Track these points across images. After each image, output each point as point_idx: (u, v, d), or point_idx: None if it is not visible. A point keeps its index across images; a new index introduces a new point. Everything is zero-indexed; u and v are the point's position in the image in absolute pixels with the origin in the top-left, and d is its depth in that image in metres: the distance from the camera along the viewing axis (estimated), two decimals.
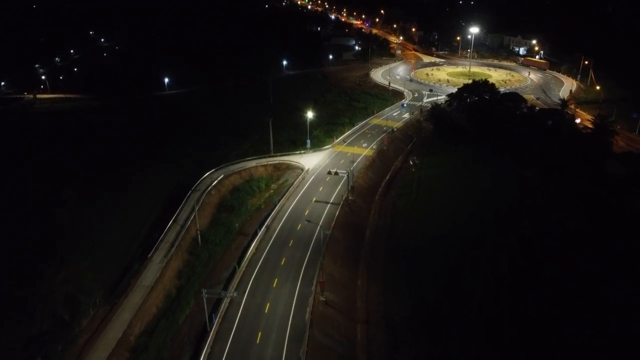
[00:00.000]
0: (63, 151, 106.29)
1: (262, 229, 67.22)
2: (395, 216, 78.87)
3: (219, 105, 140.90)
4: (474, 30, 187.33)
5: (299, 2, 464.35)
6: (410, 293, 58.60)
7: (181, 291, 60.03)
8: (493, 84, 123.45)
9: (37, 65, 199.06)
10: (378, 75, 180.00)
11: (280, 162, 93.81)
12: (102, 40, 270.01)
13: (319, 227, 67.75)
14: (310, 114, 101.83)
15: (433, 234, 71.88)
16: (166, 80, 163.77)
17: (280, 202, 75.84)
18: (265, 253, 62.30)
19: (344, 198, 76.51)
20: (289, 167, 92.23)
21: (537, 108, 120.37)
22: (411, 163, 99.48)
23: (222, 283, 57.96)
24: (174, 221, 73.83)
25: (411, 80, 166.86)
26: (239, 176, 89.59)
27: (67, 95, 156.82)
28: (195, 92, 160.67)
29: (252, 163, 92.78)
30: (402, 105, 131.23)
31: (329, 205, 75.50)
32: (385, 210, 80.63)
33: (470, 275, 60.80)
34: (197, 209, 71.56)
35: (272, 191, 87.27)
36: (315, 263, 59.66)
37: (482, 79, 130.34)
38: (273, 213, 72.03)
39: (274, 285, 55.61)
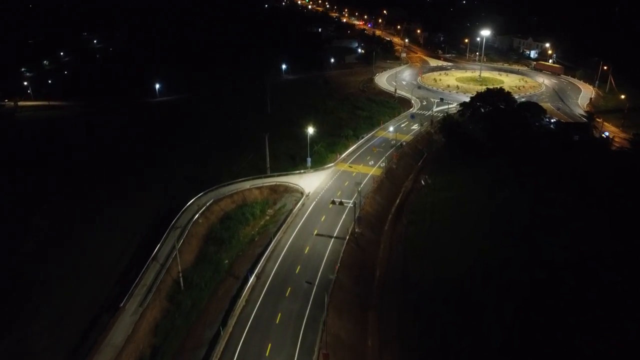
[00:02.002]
0: (37, 168, 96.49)
1: (254, 276, 56.89)
2: (408, 249, 68.99)
3: (213, 114, 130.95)
4: (485, 32, 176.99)
5: (299, 2, 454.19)
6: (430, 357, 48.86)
7: (156, 353, 50.06)
8: (509, 92, 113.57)
9: (23, 69, 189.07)
10: (383, 80, 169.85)
11: (278, 183, 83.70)
12: (95, 42, 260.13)
13: (320, 270, 58.04)
14: (310, 130, 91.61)
15: (451, 272, 62.27)
16: (157, 86, 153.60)
17: (277, 236, 65.73)
18: (257, 307, 52.20)
19: (349, 231, 66.49)
20: (287, 190, 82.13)
21: (558, 120, 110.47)
22: (423, 183, 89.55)
23: (204, 347, 47.92)
24: (153, 258, 63.83)
25: (419, 87, 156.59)
26: (231, 200, 79.50)
27: (51, 103, 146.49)
28: (189, 99, 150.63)
29: (246, 185, 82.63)
30: (411, 116, 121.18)
31: (332, 239, 65.41)
32: (397, 242, 70.68)
33: (495, 316, 52.24)
34: (178, 247, 61.37)
35: (267, 218, 77.24)
36: (317, 320, 49.71)
37: (496, 87, 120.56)
38: (268, 251, 61.93)
39: (267, 354, 45.56)
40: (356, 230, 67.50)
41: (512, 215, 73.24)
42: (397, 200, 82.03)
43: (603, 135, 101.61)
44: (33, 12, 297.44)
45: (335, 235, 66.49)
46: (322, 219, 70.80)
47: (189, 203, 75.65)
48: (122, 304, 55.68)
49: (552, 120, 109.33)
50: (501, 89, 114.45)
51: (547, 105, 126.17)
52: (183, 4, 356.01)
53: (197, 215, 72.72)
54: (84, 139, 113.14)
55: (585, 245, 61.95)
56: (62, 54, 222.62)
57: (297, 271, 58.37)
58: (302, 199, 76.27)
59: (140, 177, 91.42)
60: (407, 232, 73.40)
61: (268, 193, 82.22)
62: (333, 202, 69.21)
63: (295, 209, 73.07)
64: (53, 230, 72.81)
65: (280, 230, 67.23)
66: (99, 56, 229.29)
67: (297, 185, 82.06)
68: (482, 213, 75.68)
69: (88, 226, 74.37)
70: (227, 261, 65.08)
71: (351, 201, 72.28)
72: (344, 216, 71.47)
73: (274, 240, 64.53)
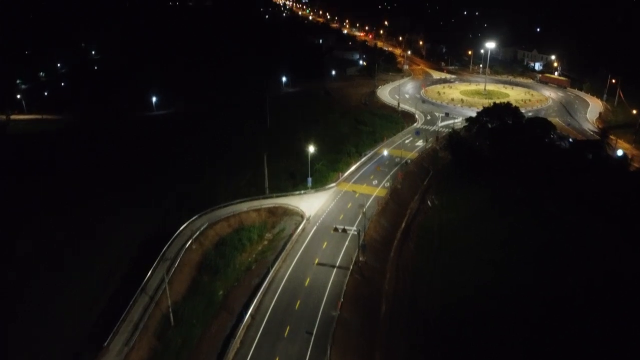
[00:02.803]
0: (24, 185, 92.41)
1: (249, 315, 52.02)
2: (416, 278, 64.48)
3: (210, 129, 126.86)
4: (490, 45, 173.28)
5: (300, 13, 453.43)
6: None
7: None
8: (517, 107, 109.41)
9: (18, 81, 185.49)
10: (385, 93, 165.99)
11: (277, 205, 79.20)
12: (94, 53, 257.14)
13: (322, 306, 53.50)
14: (312, 148, 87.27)
15: (461, 302, 58.12)
16: (154, 99, 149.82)
17: (275, 265, 61.11)
18: (252, 350, 47.49)
19: (353, 260, 61.91)
20: (287, 213, 77.60)
21: (574, 139, 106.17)
22: (429, 204, 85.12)
23: None
24: (142, 289, 59.20)
25: (423, 100, 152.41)
26: (227, 224, 74.97)
27: (45, 117, 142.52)
28: (186, 112, 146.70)
29: (243, 207, 78.11)
30: (416, 132, 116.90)
31: (335, 270, 60.82)
32: (404, 270, 66.06)
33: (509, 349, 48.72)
34: (167, 279, 56.74)
35: (266, 242, 72.73)
36: None
37: (503, 101, 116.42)
38: (265, 283, 57.28)
39: None
40: (360, 258, 62.93)
41: (524, 239, 69.14)
42: (403, 224, 77.50)
43: (618, 153, 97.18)
44: (31, 23, 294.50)
45: (337, 264, 61.91)
46: (324, 246, 66.24)
47: (182, 227, 71.18)
48: (106, 343, 50.93)
49: (570, 140, 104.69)
50: (509, 104, 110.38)
51: (556, 120, 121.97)
52: (181, 16, 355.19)
53: (190, 241, 68.17)
54: (74, 155, 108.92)
55: (604, 270, 58.16)
56: (59, 65, 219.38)
57: (296, 307, 53.67)
58: (303, 223, 71.69)
59: (130, 197, 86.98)
60: (414, 259, 68.88)
61: (266, 216, 77.74)
62: (336, 230, 64.42)
63: (295, 235, 68.49)
64: (35, 256, 68.32)
65: (279, 259, 62.59)
66: (97, 67, 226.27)
67: (297, 207, 77.58)
68: (492, 236, 71.51)
69: (73, 251, 69.95)
70: (221, 292, 60.57)
71: (354, 227, 67.73)
72: (346, 242, 66.98)
73: (272, 271, 59.86)
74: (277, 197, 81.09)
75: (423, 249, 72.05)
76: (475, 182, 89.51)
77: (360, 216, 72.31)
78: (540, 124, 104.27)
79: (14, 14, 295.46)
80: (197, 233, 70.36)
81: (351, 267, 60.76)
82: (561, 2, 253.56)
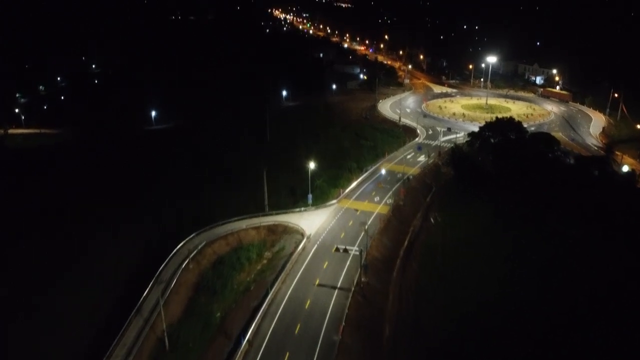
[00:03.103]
0: (18, 200, 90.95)
1: (246, 341, 49.93)
2: (420, 299, 62.45)
3: (209, 144, 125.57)
4: (491, 59, 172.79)
5: (300, 27, 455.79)
6: None
7: None
8: (520, 122, 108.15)
9: (17, 95, 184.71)
10: (386, 107, 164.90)
11: (276, 223, 77.44)
12: (94, 66, 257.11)
13: (323, 330, 51.47)
14: (312, 164, 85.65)
15: (465, 319, 56.09)
16: (153, 113, 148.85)
17: (275, 286, 59.16)
18: None
19: (355, 281, 60.00)
20: (287, 231, 75.79)
21: (578, 154, 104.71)
22: (432, 222, 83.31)
23: None
24: (136, 311, 57.26)
25: (424, 115, 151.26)
26: (225, 242, 73.15)
27: (43, 130, 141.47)
28: (185, 127, 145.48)
29: (242, 225, 76.33)
30: (418, 147, 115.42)
31: (336, 291, 58.86)
32: (407, 291, 64.04)
33: None
34: (162, 301, 54.83)
35: (265, 262, 70.77)
36: None
37: (505, 116, 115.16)
38: (264, 306, 55.33)
39: None
40: (362, 279, 61.01)
41: (527, 254, 67.44)
42: (406, 242, 75.61)
43: (623, 169, 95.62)
44: (31, 23, 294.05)
45: (339, 285, 59.97)
46: (325, 266, 64.32)
47: (179, 245, 69.39)
48: None
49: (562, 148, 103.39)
50: (511, 119, 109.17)
51: (559, 135, 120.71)
52: (183, 28, 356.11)
53: (187, 261, 66.34)
54: (70, 170, 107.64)
55: (609, 284, 56.51)
56: (59, 79, 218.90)
57: (296, 331, 51.66)
58: (303, 242, 69.88)
59: (126, 214, 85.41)
60: (418, 279, 66.93)
61: (266, 234, 75.94)
62: (337, 250, 62.74)
63: (295, 254, 66.62)
64: (26, 274, 66.52)
65: (279, 280, 60.66)
66: (97, 81, 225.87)
67: (297, 225, 75.79)
68: (495, 252, 69.89)
69: (65, 270, 68.17)
70: (218, 314, 58.59)
71: (355, 246, 65.91)
72: (348, 262, 65.03)
73: (271, 292, 57.87)
74: (277, 214, 79.37)
75: (426, 267, 70.15)
76: (479, 198, 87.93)
77: (362, 235, 70.48)
78: (543, 139, 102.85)
79: (14, 14, 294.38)
80: (195, 252, 68.58)
81: (353, 288, 58.84)
82: (561, 16, 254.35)
